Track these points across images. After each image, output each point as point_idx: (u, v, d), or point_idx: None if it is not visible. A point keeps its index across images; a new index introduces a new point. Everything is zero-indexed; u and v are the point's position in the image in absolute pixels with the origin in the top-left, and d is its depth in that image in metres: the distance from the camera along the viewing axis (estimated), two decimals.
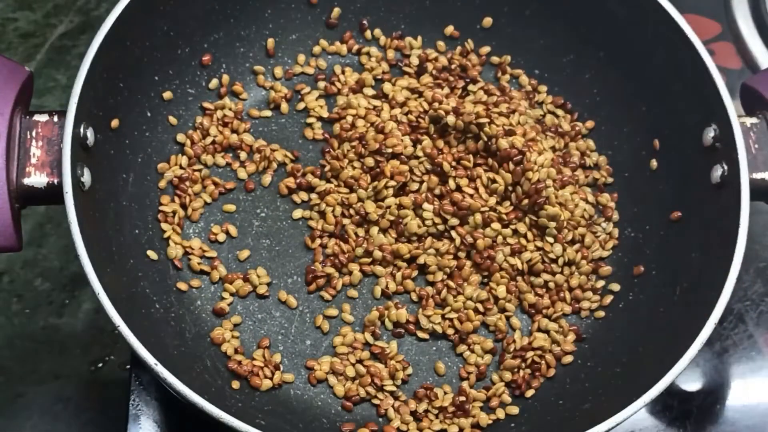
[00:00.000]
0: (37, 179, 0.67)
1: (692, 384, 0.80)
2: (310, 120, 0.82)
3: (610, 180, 0.81)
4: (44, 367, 0.83)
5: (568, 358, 0.74)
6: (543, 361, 0.74)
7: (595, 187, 0.81)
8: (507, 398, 0.73)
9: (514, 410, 0.72)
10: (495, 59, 0.85)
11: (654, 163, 0.79)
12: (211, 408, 0.62)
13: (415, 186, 0.77)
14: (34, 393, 0.82)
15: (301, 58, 0.84)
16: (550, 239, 0.76)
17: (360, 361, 0.73)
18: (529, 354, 0.74)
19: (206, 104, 0.81)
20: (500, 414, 0.72)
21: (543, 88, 0.84)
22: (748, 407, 0.80)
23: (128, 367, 0.76)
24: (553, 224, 0.75)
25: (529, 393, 0.73)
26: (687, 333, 0.65)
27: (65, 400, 0.82)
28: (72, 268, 0.87)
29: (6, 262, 0.87)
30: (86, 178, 0.68)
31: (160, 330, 0.71)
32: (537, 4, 0.83)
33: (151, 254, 0.74)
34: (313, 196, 0.79)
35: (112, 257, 0.70)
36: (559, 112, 0.83)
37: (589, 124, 0.83)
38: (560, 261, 0.76)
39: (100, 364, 0.83)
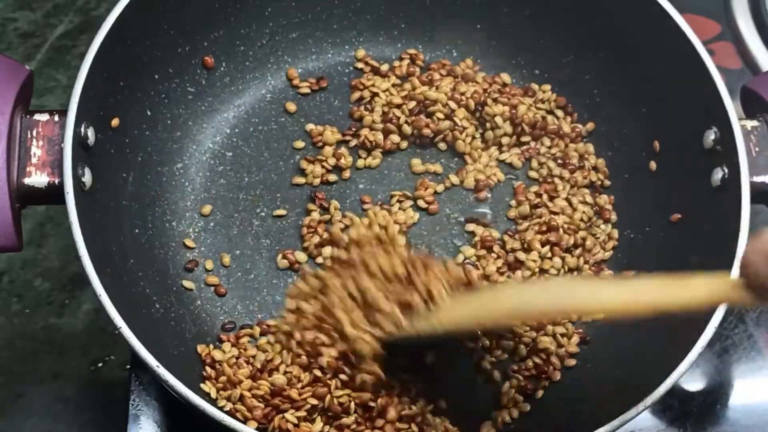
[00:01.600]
0: (38, 179, 0.67)
1: (692, 384, 0.80)
2: None
3: (608, 183, 0.81)
4: (44, 367, 0.83)
5: (572, 361, 0.74)
6: (550, 367, 0.74)
7: (593, 188, 0.81)
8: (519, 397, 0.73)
9: (526, 407, 0.73)
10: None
11: (654, 165, 0.79)
12: (211, 409, 0.62)
13: None
14: (34, 393, 0.82)
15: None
16: (548, 254, 0.77)
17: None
18: (535, 358, 0.74)
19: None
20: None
21: (546, 87, 0.84)
22: (748, 407, 0.80)
23: (128, 367, 0.76)
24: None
25: (539, 395, 0.73)
26: (687, 336, 0.65)
27: (65, 400, 0.81)
28: (72, 268, 0.86)
29: (6, 262, 0.87)
30: (87, 177, 0.68)
31: (160, 330, 0.71)
32: (537, 4, 0.83)
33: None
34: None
35: (112, 257, 0.70)
36: (559, 112, 0.83)
37: (590, 126, 0.83)
38: (561, 272, 0.76)
39: (100, 364, 0.83)
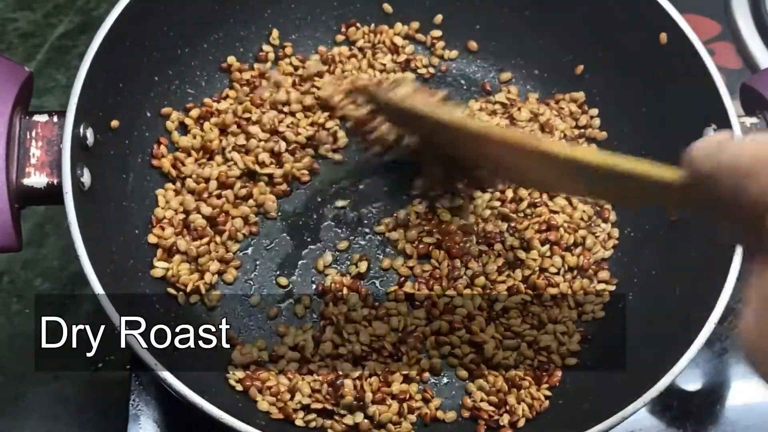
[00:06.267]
0: (37, 179, 0.67)
1: (692, 384, 0.80)
2: None
3: None
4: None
5: (573, 360, 0.74)
6: (551, 365, 0.74)
7: None
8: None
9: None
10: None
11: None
12: (211, 408, 0.62)
13: None
14: (34, 393, 0.82)
15: None
16: (548, 253, 0.77)
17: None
18: (536, 356, 0.74)
19: None
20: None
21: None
22: (748, 407, 0.80)
23: (128, 367, 0.76)
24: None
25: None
26: (687, 333, 0.66)
27: (65, 400, 0.82)
28: (72, 268, 0.87)
29: (6, 262, 0.87)
30: (86, 178, 0.68)
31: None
32: (537, 4, 0.83)
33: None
34: None
35: (112, 257, 0.70)
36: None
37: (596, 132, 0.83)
38: (561, 271, 0.76)
39: (100, 364, 0.83)
